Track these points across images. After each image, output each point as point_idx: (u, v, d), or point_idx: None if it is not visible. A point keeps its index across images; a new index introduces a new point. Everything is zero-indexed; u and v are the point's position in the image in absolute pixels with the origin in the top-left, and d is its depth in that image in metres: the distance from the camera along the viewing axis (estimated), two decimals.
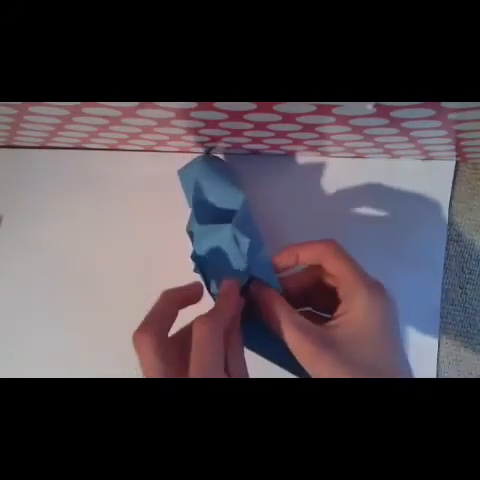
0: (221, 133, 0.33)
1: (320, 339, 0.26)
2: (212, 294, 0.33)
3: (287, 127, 0.30)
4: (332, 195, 0.40)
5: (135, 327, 0.28)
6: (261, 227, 0.34)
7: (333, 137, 0.33)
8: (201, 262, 0.33)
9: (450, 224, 0.39)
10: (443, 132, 0.30)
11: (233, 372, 0.27)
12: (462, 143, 0.33)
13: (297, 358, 0.27)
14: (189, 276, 0.32)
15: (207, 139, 0.36)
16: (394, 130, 0.30)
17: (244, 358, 0.28)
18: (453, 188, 0.39)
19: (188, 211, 0.41)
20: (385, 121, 0.28)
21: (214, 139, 0.36)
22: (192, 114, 0.28)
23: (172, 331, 0.29)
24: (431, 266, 0.39)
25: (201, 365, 0.25)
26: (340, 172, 0.40)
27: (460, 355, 0.39)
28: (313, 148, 0.38)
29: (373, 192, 0.40)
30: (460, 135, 0.31)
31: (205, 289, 0.32)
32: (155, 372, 0.26)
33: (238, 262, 0.31)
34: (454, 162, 0.39)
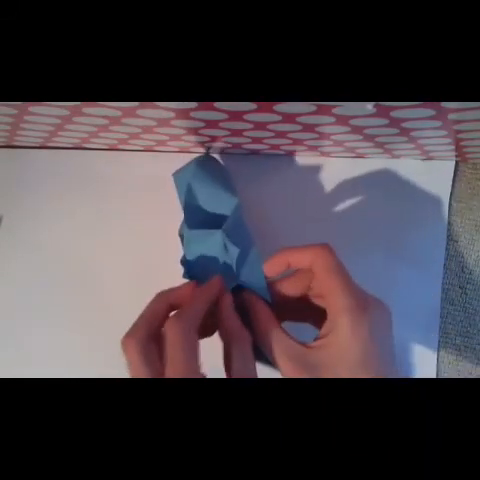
0: (221, 133, 0.33)
1: (302, 362, 0.26)
2: None
3: (287, 127, 0.30)
4: (332, 195, 0.40)
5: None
6: (261, 227, 0.34)
7: (333, 137, 0.33)
8: (190, 267, 0.33)
9: (450, 224, 0.39)
10: (443, 132, 0.30)
11: (237, 371, 0.27)
12: (462, 143, 0.33)
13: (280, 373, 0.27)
14: None
15: (207, 139, 0.36)
16: (394, 130, 0.30)
17: (252, 358, 0.28)
18: (453, 188, 0.39)
19: None
20: (385, 121, 0.28)
21: (214, 139, 0.36)
22: (192, 114, 0.28)
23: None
24: (431, 266, 0.39)
25: (174, 366, 0.25)
26: (340, 172, 0.40)
27: (460, 355, 0.39)
28: (313, 148, 0.38)
29: (373, 192, 0.40)
30: (460, 135, 0.31)
31: None
32: (140, 375, 0.26)
33: (227, 268, 0.31)
34: (454, 162, 0.39)
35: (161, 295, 0.30)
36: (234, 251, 0.31)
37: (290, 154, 0.40)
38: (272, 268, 0.31)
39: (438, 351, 0.39)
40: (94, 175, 0.42)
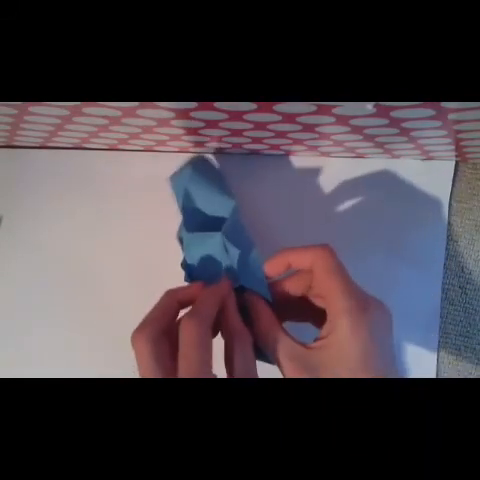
0: (221, 133, 0.33)
1: (303, 363, 0.27)
2: None
3: (287, 127, 0.30)
4: (332, 195, 0.40)
5: (135, 327, 0.28)
6: (260, 227, 0.34)
7: (333, 137, 0.33)
8: (192, 270, 0.33)
9: (450, 224, 0.39)
10: (443, 132, 0.30)
11: (239, 370, 0.27)
12: (462, 143, 0.33)
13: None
14: None
15: (207, 139, 0.36)
16: (394, 130, 0.30)
17: (253, 357, 0.28)
18: (453, 188, 0.39)
19: None
20: (385, 121, 0.28)
21: (214, 139, 0.36)
22: (192, 114, 0.28)
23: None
24: (431, 266, 0.39)
25: (188, 365, 0.25)
26: (340, 172, 0.40)
27: (460, 355, 0.39)
28: (313, 148, 0.38)
29: (373, 192, 0.40)
30: (460, 135, 0.31)
31: None
32: (150, 372, 0.26)
33: (229, 270, 0.31)
34: (454, 162, 0.39)
35: (170, 292, 0.30)
36: (235, 253, 0.31)
37: (290, 154, 0.40)
38: (273, 268, 0.31)
39: (438, 351, 0.39)
40: (94, 175, 0.42)
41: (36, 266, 0.41)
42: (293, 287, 0.31)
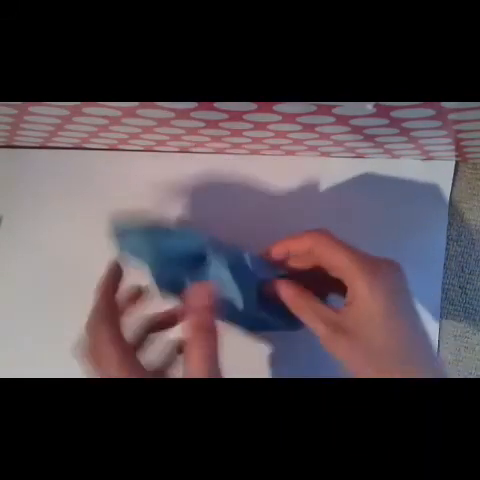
0: (221, 133, 0.33)
1: (335, 325, 0.28)
2: None
3: (287, 127, 0.30)
4: (332, 195, 0.40)
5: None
6: (260, 227, 0.34)
7: (333, 137, 0.33)
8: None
9: (450, 224, 0.39)
10: (443, 132, 0.30)
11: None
12: (462, 143, 0.33)
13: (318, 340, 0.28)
14: None
15: (207, 139, 0.36)
16: (394, 130, 0.30)
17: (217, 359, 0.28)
18: (453, 188, 0.39)
19: (188, 211, 0.41)
20: (385, 121, 0.28)
21: (214, 139, 0.36)
22: (192, 114, 0.28)
23: None
24: (431, 266, 0.39)
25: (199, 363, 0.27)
26: (340, 172, 0.40)
27: (460, 355, 0.39)
28: (313, 148, 0.38)
29: (373, 192, 0.40)
30: (460, 135, 0.31)
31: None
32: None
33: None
34: (454, 162, 0.39)
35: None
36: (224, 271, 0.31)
37: (290, 154, 0.40)
38: (272, 256, 0.32)
39: (438, 351, 0.39)
40: (94, 175, 0.42)
41: (36, 266, 0.41)
42: (302, 261, 0.32)
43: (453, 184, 0.39)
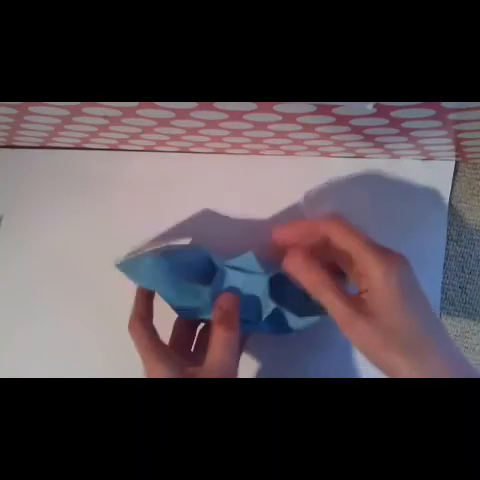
0: (221, 133, 0.33)
1: (355, 307, 0.27)
2: None
3: (287, 127, 0.30)
4: (332, 195, 0.40)
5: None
6: (260, 228, 0.34)
7: (333, 137, 0.33)
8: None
9: (450, 224, 0.39)
10: (443, 132, 0.30)
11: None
12: (462, 143, 0.33)
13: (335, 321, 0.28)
14: None
15: (207, 139, 0.36)
16: (394, 130, 0.30)
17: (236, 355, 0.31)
18: (453, 188, 0.39)
19: (187, 211, 0.41)
20: (385, 121, 0.28)
21: (214, 139, 0.36)
22: (192, 114, 0.28)
23: None
24: (431, 266, 0.39)
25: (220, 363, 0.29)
26: (340, 172, 0.40)
27: None
28: (313, 148, 0.38)
29: (373, 192, 0.40)
30: (460, 135, 0.31)
31: None
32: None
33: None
34: (454, 162, 0.39)
35: None
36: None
37: (290, 154, 0.40)
38: (281, 236, 0.32)
39: None
40: (94, 175, 0.42)
41: (36, 266, 0.41)
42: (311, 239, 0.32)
43: (453, 184, 0.39)
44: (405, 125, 0.28)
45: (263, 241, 0.34)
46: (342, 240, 0.29)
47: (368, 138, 0.33)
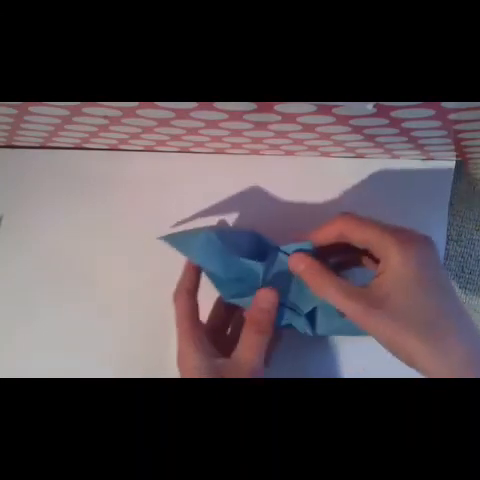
0: (221, 133, 0.33)
1: (367, 299, 0.26)
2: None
3: (287, 127, 0.31)
4: (332, 195, 0.40)
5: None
6: (260, 228, 0.34)
7: (333, 137, 0.33)
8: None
9: (450, 224, 0.39)
10: (443, 132, 0.30)
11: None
12: (462, 143, 0.33)
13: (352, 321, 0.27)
14: None
15: (207, 139, 0.36)
16: (394, 130, 0.30)
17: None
18: (453, 188, 0.39)
19: (188, 211, 0.41)
20: (385, 121, 0.28)
21: (214, 139, 0.36)
22: (192, 114, 0.28)
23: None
24: None
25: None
26: (340, 172, 0.40)
27: None
28: (313, 148, 0.38)
29: (373, 192, 0.40)
30: (460, 135, 0.31)
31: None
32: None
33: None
34: (454, 162, 0.39)
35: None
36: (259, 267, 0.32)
37: (290, 154, 0.40)
38: (318, 240, 0.32)
39: None
40: (94, 175, 0.42)
41: (36, 266, 0.41)
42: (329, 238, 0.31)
43: (453, 184, 0.39)
44: (405, 125, 0.28)
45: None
46: (360, 231, 0.29)
47: (368, 138, 0.33)
